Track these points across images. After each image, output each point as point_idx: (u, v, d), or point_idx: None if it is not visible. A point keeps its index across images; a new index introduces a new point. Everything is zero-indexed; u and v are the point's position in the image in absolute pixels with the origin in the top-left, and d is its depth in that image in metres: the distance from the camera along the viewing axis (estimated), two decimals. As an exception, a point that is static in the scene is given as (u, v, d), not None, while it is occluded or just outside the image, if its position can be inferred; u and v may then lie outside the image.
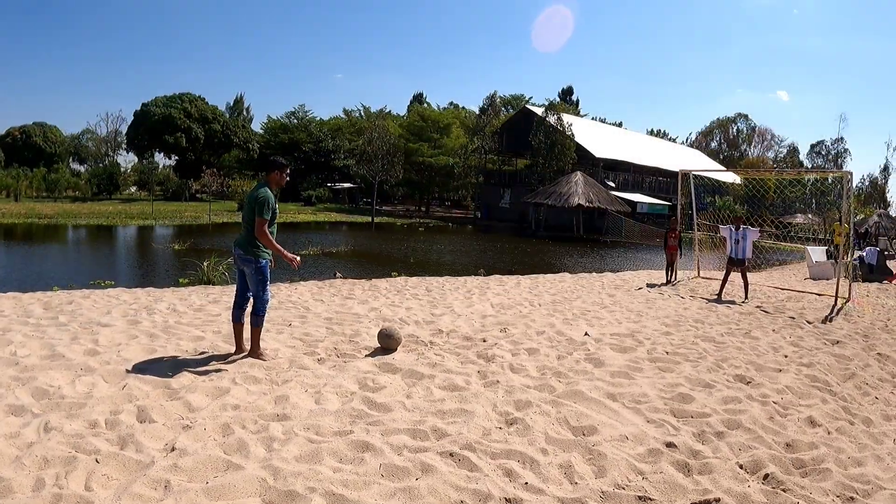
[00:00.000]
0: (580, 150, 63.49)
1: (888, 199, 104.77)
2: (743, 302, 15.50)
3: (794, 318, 13.46)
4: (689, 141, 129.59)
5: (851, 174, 17.04)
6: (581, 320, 11.95)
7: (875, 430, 6.83)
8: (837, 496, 5.00)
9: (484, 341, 9.53)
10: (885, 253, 30.08)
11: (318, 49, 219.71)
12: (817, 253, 25.42)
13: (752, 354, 9.64)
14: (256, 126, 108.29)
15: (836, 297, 16.02)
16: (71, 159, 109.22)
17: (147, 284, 16.29)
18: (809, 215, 66.50)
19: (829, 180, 70.09)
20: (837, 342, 11.18)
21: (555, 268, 27.08)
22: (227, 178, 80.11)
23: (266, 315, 8.06)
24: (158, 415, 5.73)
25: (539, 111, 67.90)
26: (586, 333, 10.46)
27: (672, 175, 60.02)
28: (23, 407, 5.75)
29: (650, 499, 4.66)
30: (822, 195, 77.64)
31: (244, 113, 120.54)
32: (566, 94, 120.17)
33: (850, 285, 17.17)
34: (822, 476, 5.32)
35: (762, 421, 6.49)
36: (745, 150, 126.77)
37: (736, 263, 16.35)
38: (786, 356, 9.71)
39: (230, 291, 13.78)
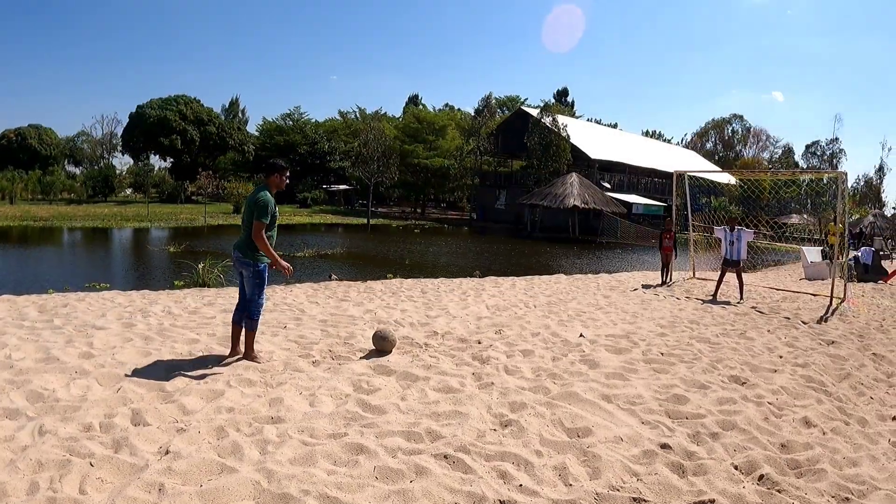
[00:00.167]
0: (575, 151, 63.52)
1: (883, 200, 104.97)
2: (738, 303, 15.52)
3: (789, 318, 13.48)
4: (684, 142, 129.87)
5: (846, 174, 17.10)
6: (576, 322, 11.95)
7: (870, 430, 6.83)
8: (833, 497, 5.00)
9: (479, 343, 9.53)
10: (881, 253, 30.13)
11: (313, 51, 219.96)
12: (812, 253, 25.47)
13: (747, 355, 9.65)
14: (252, 128, 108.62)
15: (832, 297, 16.03)
16: (66, 161, 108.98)
17: (142, 287, 16.25)
18: (805, 216, 66.59)
19: (825, 181, 70.11)
20: (833, 342, 11.19)
21: (550, 269, 27.09)
22: (223, 181, 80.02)
23: (261, 318, 8.06)
24: (153, 418, 5.73)
25: (534, 112, 67.92)
26: (581, 335, 10.48)
27: (667, 176, 60.07)
28: (17, 410, 5.73)
29: (645, 500, 4.66)
30: (817, 195, 77.78)
31: (239, 115, 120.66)
32: (561, 95, 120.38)
33: (845, 285, 17.20)
34: (817, 476, 5.32)
35: (757, 422, 6.49)
36: (741, 150, 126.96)
37: (731, 265, 16.37)
38: (781, 357, 9.72)
39: (225, 294, 13.80)
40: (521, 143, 65.14)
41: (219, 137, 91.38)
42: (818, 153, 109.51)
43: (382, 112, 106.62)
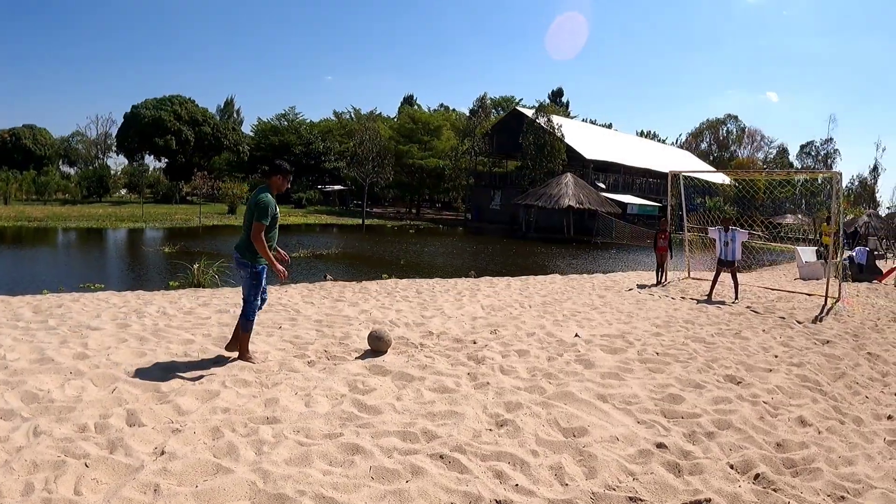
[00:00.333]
0: (570, 151, 63.53)
1: (878, 200, 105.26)
2: (733, 302, 15.54)
3: (784, 318, 13.49)
4: (678, 142, 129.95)
5: (841, 174, 17.09)
6: (571, 322, 11.96)
7: (865, 429, 6.84)
8: (828, 495, 5.01)
9: (474, 343, 9.53)
10: (875, 253, 30.19)
11: (308, 51, 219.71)
12: (807, 253, 25.51)
13: (743, 355, 9.66)
14: (247, 128, 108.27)
15: (826, 297, 16.06)
16: (61, 162, 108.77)
17: (137, 287, 16.21)
18: (799, 216, 66.66)
19: (819, 181, 70.42)
20: (828, 342, 11.21)
21: (545, 269, 27.11)
22: (218, 181, 79.82)
23: (256, 318, 8.05)
24: (148, 418, 5.72)
25: (529, 113, 67.92)
26: (576, 335, 10.48)
27: (662, 176, 60.30)
28: (12, 411, 5.72)
29: (641, 499, 4.67)
30: (811, 195, 77.93)
31: (234, 115, 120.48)
32: (556, 95, 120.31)
33: (839, 285, 17.22)
34: (812, 475, 5.33)
35: (753, 421, 6.50)
36: (735, 151, 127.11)
37: (726, 265, 16.40)
38: (776, 356, 9.73)
39: (220, 294, 13.80)
40: (517, 143, 65.20)
41: (214, 138, 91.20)
42: (813, 153, 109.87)
43: (377, 112, 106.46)
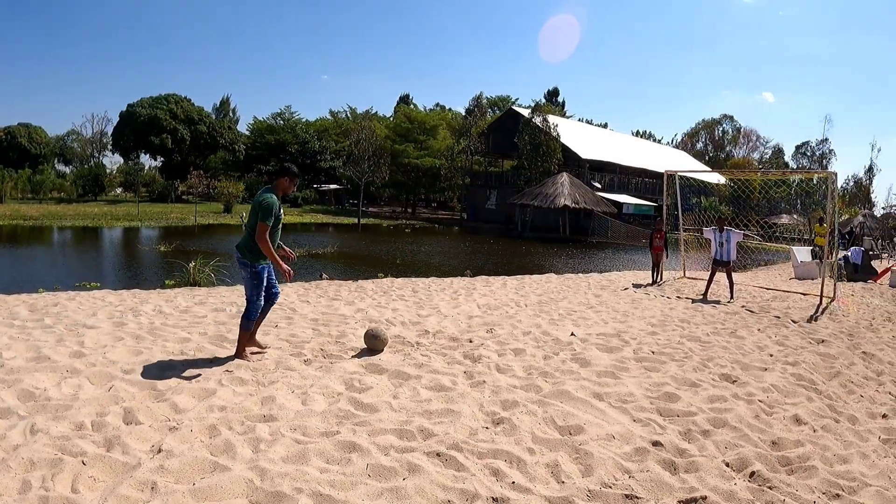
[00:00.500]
0: (566, 151, 63.59)
1: (873, 200, 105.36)
2: (728, 302, 15.56)
3: (779, 317, 13.52)
4: (674, 142, 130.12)
5: (836, 175, 17.15)
6: (567, 320, 11.97)
7: (860, 427, 6.87)
8: (823, 493, 5.03)
9: (470, 342, 9.54)
10: (870, 253, 30.27)
11: (304, 50, 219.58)
12: (802, 253, 25.55)
13: (738, 353, 9.68)
14: (242, 127, 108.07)
15: (822, 296, 16.10)
16: (56, 160, 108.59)
17: (133, 286, 16.22)
18: (795, 216, 66.80)
19: (814, 181, 70.45)
20: (822, 341, 11.24)
21: (541, 268, 27.10)
22: (213, 180, 79.84)
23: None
24: (145, 416, 5.72)
25: (525, 112, 67.97)
26: (572, 333, 10.49)
27: (658, 176, 60.23)
28: (8, 409, 5.72)
29: (637, 497, 4.68)
30: (807, 196, 78.09)
31: (230, 114, 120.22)
32: (552, 95, 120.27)
33: (834, 285, 17.25)
34: (807, 473, 5.35)
35: (748, 419, 6.52)
36: (731, 151, 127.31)
37: (721, 265, 16.42)
38: (771, 355, 9.76)
39: (216, 293, 13.80)
40: (512, 143, 65.19)
41: (209, 136, 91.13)
42: (808, 153, 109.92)
43: (373, 112, 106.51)
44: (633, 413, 6.52)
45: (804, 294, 17.67)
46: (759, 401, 7.27)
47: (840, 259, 22.69)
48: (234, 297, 13.13)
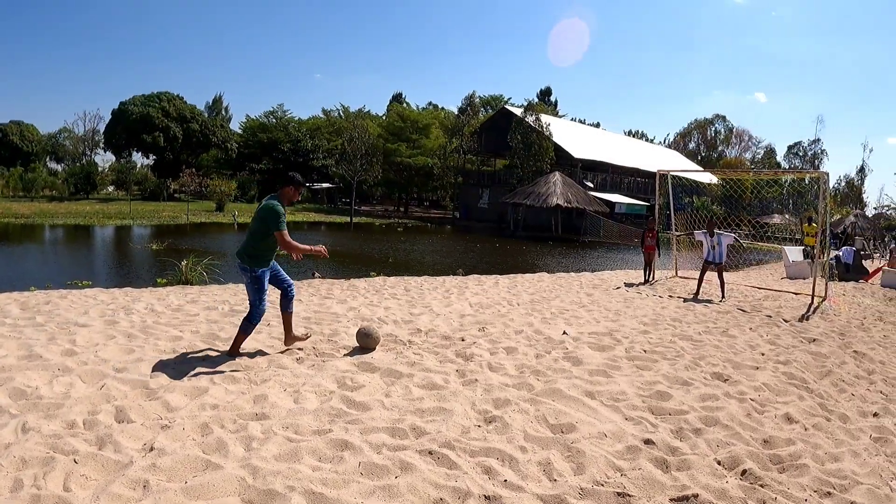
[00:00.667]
0: (558, 150, 63.66)
1: (864, 200, 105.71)
2: (720, 301, 15.59)
3: (771, 316, 13.56)
4: (667, 142, 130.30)
5: (828, 175, 17.16)
6: (559, 319, 11.98)
7: (851, 426, 6.89)
8: (815, 491, 5.04)
9: (462, 340, 9.54)
10: (862, 253, 30.35)
11: (297, 49, 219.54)
12: (794, 252, 25.60)
13: (730, 352, 9.71)
14: (235, 126, 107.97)
15: (813, 296, 16.16)
16: (48, 158, 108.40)
17: (125, 284, 16.19)
18: (786, 216, 66.93)
19: (806, 181, 70.58)
20: (814, 340, 11.27)
21: (533, 267, 27.16)
22: (206, 178, 79.64)
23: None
24: (137, 415, 5.71)
25: (518, 111, 68.09)
26: (564, 332, 10.50)
27: (650, 175, 60.42)
28: (0, 408, 5.71)
29: (629, 495, 4.69)
30: (799, 196, 78.24)
31: (223, 112, 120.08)
32: (545, 94, 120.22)
33: (826, 284, 17.30)
34: (799, 472, 5.37)
35: (739, 418, 6.54)
36: (723, 150, 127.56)
37: (713, 265, 16.45)
38: (763, 354, 9.79)
39: (208, 292, 13.79)
40: (505, 142, 65.29)
41: (202, 135, 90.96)
42: (800, 154, 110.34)
43: (366, 110, 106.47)
44: (625, 411, 6.53)
45: (796, 293, 17.73)
46: (751, 399, 7.30)
47: (832, 259, 22.75)
48: (226, 296, 13.12)
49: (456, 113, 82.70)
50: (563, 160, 64.25)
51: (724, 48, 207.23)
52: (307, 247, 7.85)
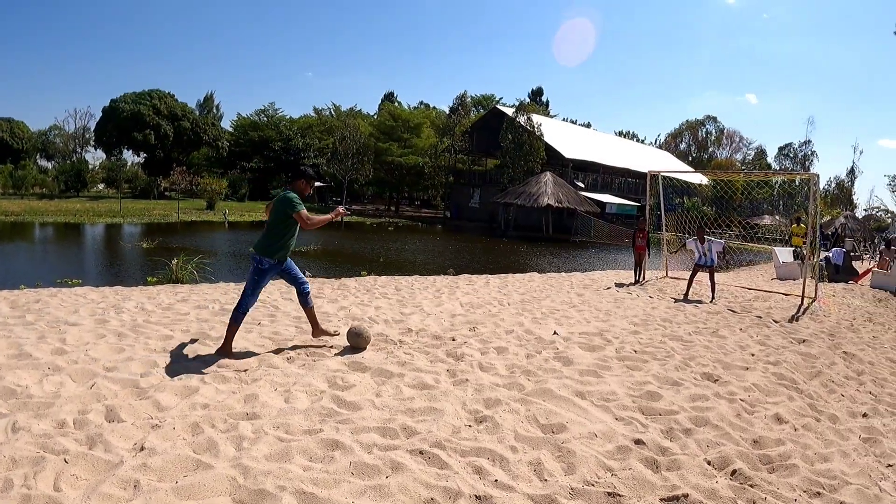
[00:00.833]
0: (550, 150, 63.72)
1: (854, 202, 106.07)
2: (711, 303, 15.62)
3: (761, 317, 13.60)
4: (658, 142, 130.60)
5: (818, 176, 17.22)
6: (550, 319, 12.00)
7: (841, 426, 6.92)
8: (804, 491, 5.06)
9: (453, 340, 9.54)
10: (851, 254, 30.47)
11: (288, 47, 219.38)
12: (784, 254, 25.67)
13: (720, 353, 9.74)
14: (226, 124, 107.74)
15: (803, 296, 16.21)
16: (38, 156, 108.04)
17: (115, 283, 16.15)
18: (777, 217, 67.15)
19: (797, 182, 70.89)
20: (804, 341, 11.31)
21: (524, 267, 27.18)
22: (196, 176, 79.48)
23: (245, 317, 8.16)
24: (127, 414, 5.70)
25: (509, 111, 68.04)
26: (555, 332, 10.52)
27: (641, 176, 60.52)
28: (-11, 406, 5.70)
29: (619, 495, 4.70)
30: (789, 197, 78.53)
31: (214, 110, 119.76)
32: (536, 94, 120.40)
33: (816, 285, 17.35)
34: (789, 472, 5.39)
35: (729, 418, 6.56)
36: (714, 152, 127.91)
37: (704, 268, 16.50)
38: (753, 355, 9.82)
39: (199, 290, 13.76)
40: (496, 141, 65.31)
41: (193, 133, 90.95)
42: (791, 155, 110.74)
43: (358, 109, 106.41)
44: (615, 411, 6.54)
45: (786, 294, 17.78)
46: (741, 400, 7.32)
47: (821, 260, 22.83)
48: (216, 295, 13.09)
49: (447, 112, 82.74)
50: (554, 160, 64.32)
51: (716, 49, 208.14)
52: (328, 216, 8.04)
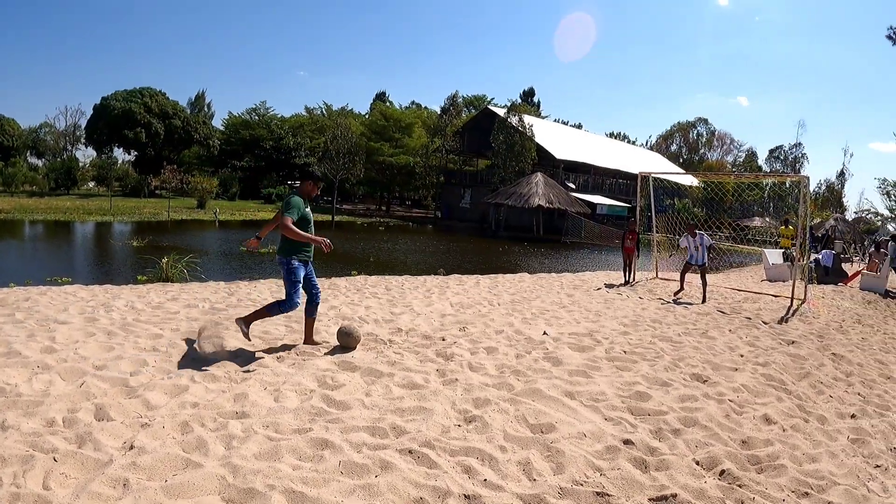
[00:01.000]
0: (541, 151, 63.73)
1: (844, 204, 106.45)
2: (702, 303, 15.65)
3: (750, 318, 13.64)
4: (649, 144, 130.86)
5: (808, 178, 17.29)
6: (540, 320, 12.02)
7: (829, 427, 6.96)
8: (793, 492, 5.09)
9: (443, 340, 9.55)
10: (841, 256, 30.57)
11: (280, 46, 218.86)
12: (774, 255, 25.73)
13: (709, 354, 9.77)
14: (217, 122, 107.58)
15: (793, 298, 16.25)
16: (28, 153, 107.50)
17: (105, 281, 16.14)
18: (767, 219, 67.35)
19: (787, 184, 71.11)
20: (793, 342, 11.36)
21: (514, 268, 27.23)
22: (187, 175, 79.28)
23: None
24: (117, 413, 5.69)
25: (500, 112, 68.06)
26: (545, 332, 10.53)
27: (632, 177, 60.60)
28: (-22, 404, 5.68)
29: (608, 494, 4.72)
30: (779, 199, 78.74)
31: (205, 109, 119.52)
32: (527, 95, 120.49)
33: (805, 287, 17.41)
34: (777, 472, 5.41)
35: (718, 419, 6.59)
36: (705, 153, 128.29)
37: (695, 267, 16.55)
38: (742, 356, 9.85)
39: (189, 289, 13.75)
40: (487, 142, 65.27)
41: (184, 131, 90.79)
42: (781, 157, 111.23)
43: (349, 109, 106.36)
44: (604, 412, 6.56)
45: (775, 296, 17.82)
46: (730, 400, 7.35)
47: (811, 262, 22.90)
48: (206, 294, 13.09)
49: (439, 113, 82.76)
50: (545, 161, 64.36)
51: (708, 52, 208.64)
52: (309, 236, 7.98)
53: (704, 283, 16.49)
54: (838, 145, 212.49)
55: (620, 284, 19.08)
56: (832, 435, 6.70)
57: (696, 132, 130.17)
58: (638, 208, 22.25)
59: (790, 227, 26.81)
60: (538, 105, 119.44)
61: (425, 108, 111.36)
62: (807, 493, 5.08)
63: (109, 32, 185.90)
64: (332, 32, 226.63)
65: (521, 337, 10.12)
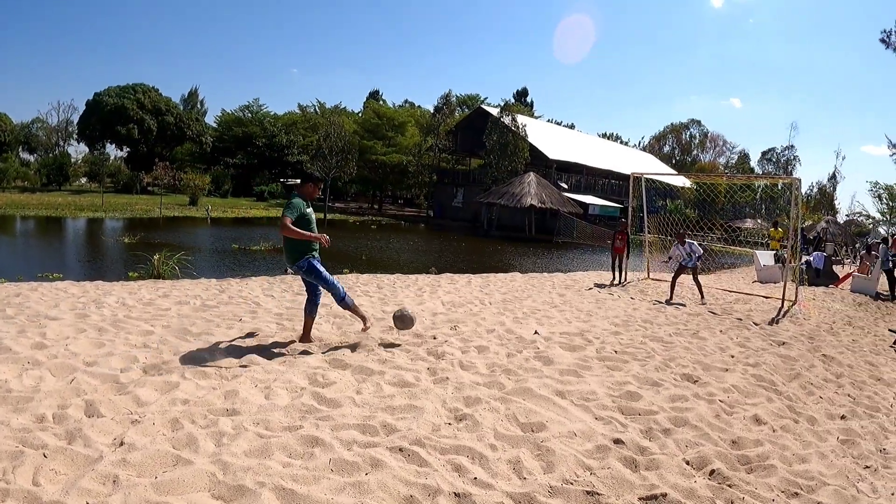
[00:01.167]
0: (533, 150, 63.74)
1: (836, 207, 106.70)
2: (701, 304, 15.67)
3: (741, 319, 13.68)
4: (641, 145, 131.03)
5: (800, 181, 17.37)
6: (531, 319, 12.02)
7: (819, 428, 6.99)
8: (782, 492, 5.11)
9: (434, 338, 9.54)
10: (832, 258, 30.67)
11: (274, 43, 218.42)
12: (766, 257, 25.81)
13: (700, 354, 9.78)
14: (210, 119, 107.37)
15: (784, 299, 16.29)
16: (20, 149, 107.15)
17: (96, 278, 16.10)
18: (759, 220, 67.51)
19: (779, 186, 71.32)
20: (783, 343, 11.39)
21: (506, 267, 27.20)
22: (180, 172, 79.12)
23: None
24: (107, 409, 5.68)
25: (494, 111, 68.12)
26: (536, 332, 10.54)
27: (624, 178, 60.42)
28: (-33, 400, 5.67)
29: (598, 493, 4.72)
30: (771, 201, 78.96)
31: (198, 106, 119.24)
32: (521, 95, 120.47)
33: (796, 289, 17.45)
34: (767, 472, 5.43)
35: (708, 419, 6.60)
36: (698, 155, 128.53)
37: (686, 270, 16.56)
38: (732, 356, 9.87)
39: (180, 286, 13.73)
40: (480, 141, 65.25)
41: (176, 128, 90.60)
42: (774, 159, 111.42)
43: (342, 107, 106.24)
44: (595, 411, 6.57)
45: (766, 297, 17.87)
46: (720, 401, 7.36)
47: (802, 264, 22.97)
48: (197, 291, 13.06)
49: (432, 112, 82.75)
50: (537, 161, 64.38)
51: (702, 53, 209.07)
52: (307, 233, 8.20)
53: (699, 284, 16.50)
54: (830, 148, 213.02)
55: (611, 284, 19.11)
56: (822, 436, 6.73)
57: (688, 133, 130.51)
58: (630, 209, 22.28)
59: (779, 229, 26.91)
60: (531, 105, 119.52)
61: (418, 106, 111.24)
62: (796, 494, 5.09)
63: (102, 28, 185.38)
64: (326, 30, 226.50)
65: (512, 336, 10.13)
